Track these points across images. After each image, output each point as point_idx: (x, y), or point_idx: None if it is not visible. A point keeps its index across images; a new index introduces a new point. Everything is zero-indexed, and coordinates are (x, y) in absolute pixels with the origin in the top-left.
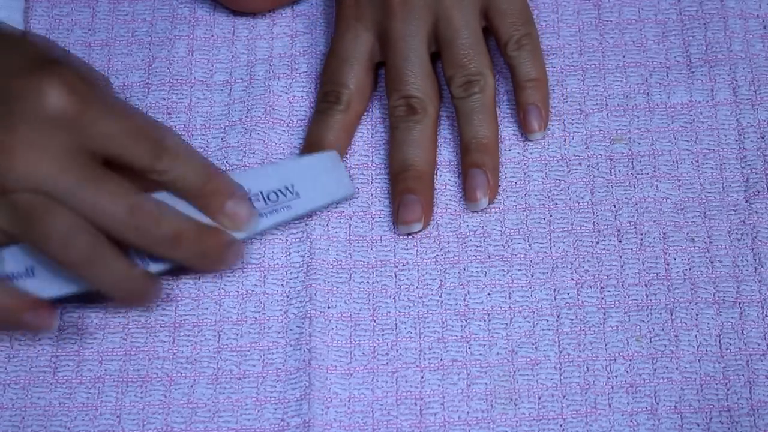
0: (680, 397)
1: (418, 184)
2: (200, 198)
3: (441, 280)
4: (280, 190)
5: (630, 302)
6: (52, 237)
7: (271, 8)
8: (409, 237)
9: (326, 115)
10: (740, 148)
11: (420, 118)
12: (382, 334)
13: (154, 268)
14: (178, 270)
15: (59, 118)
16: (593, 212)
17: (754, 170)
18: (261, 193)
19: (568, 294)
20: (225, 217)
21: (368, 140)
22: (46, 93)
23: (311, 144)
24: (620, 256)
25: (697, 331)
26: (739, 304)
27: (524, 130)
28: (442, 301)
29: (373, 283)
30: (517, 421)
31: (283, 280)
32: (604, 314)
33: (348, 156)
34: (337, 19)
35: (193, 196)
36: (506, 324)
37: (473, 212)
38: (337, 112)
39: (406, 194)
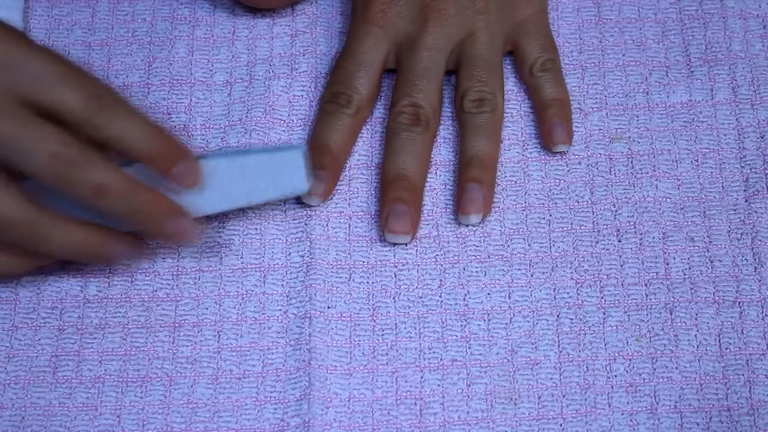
0: (680, 397)
1: (411, 195)
2: (147, 158)
3: (441, 280)
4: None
5: (630, 302)
6: None
7: (286, 4)
8: None
9: (335, 117)
10: (740, 147)
11: (422, 130)
12: (382, 334)
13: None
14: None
15: None
16: (593, 212)
17: (753, 170)
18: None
19: (568, 294)
20: (173, 178)
21: (368, 141)
22: None
23: (318, 143)
24: (620, 256)
25: (697, 331)
26: (739, 303)
27: (548, 143)
28: (441, 301)
29: (372, 283)
30: (517, 421)
31: (283, 280)
32: (604, 314)
33: (348, 156)
34: (358, 22)
35: (140, 155)
36: (506, 324)
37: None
38: (346, 115)
39: (397, 203)
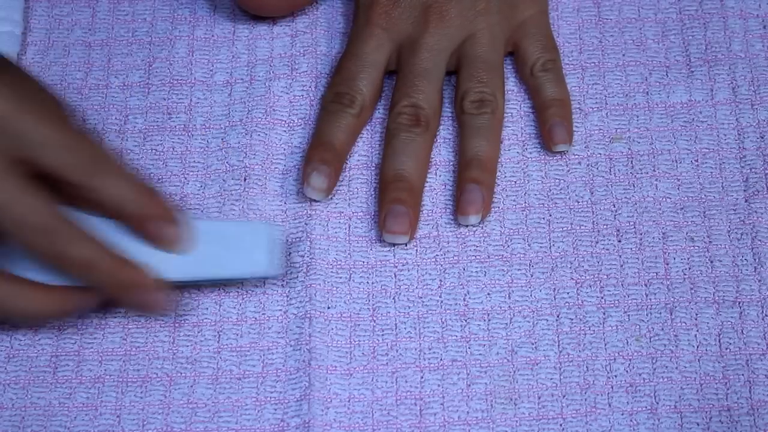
0: (680, 397)
1: (410, 196)
2: (133, 221)
3: (441, 280)
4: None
5: (629, 302)
6: None
7: (288, 12)
8: None
9: (337, 116)
10: (740, 147)
11: (422, 131)
12: (382, 334)
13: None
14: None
15: None
16: (593, 212)
17: (753, 170)
18: None
19: (568, 294)
20: (158, 240)
21: (368, 141)
22: None
23: (320, 141)
24: (620, 256)
25: (697, 331)
26: (739, 303)
27: (549, 143)
28: (441, 301)
29: (372, 283)
30: (517, 421)
31: (283, 281)
32: (604, 314)
33: (348, 156)
34: (361, 23)
35: (127, 218)
36: (506, 324)
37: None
38: (349, 115)
39: (396, 204)
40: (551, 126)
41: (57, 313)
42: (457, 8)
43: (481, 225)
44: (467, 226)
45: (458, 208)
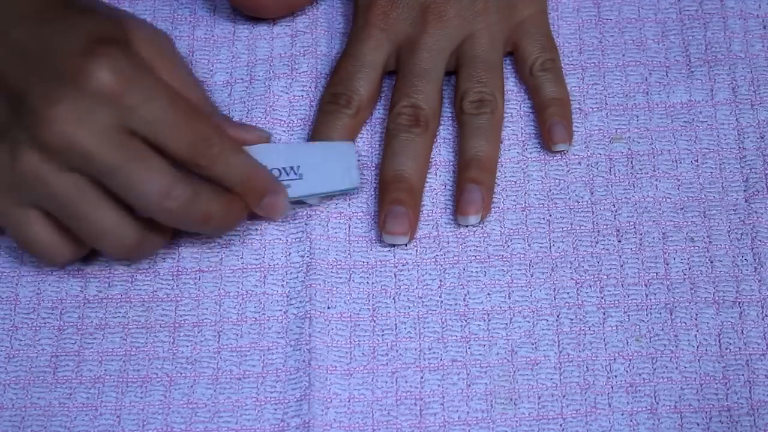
0: (680, 397)
1: (409, 197)
2: (242, 194)
3: (441, 280)
4: (284, 168)
5: (629, 302)
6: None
7: (285, 13)
8: None
9: (334, 117)
10: (740, 147)
11: (421, 131)
12: (382, 335)
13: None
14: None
15: (102, 95)
16: (593, 212)
17: (753, 170)
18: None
19: (568, 294)
20: (261, 210)
21: (368, 140)
22: (92, 73)
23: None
24: (620, 256)
25: (697, 331)
26: (739, 303)
27: (548, 143)
28: (441, 302)
29: (372, 283)
30: (517, 421)
31: (283, 281)
32: (604, 314)
33: None
34: (360, 24)
35: (232, 189)
36: (506, 324)
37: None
38: (346, 116)
39: (395, 205)
40: (551, 125)
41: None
42: (455, 8)
43: (481, 225)
44: (467, 226)
45: (458, 209)
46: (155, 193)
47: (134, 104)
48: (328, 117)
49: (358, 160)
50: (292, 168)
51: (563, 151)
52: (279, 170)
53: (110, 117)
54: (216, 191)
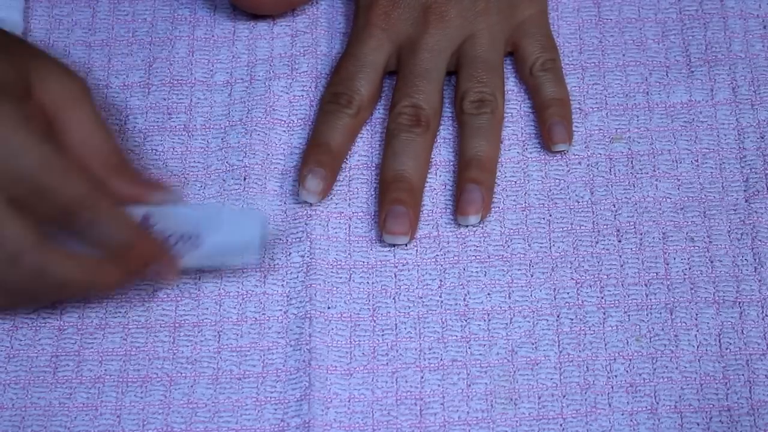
0: (680, 397)
1: (410, 197)
2: (121, 257)
3: (441, 280)
4: (183, 235)
5: (630, 302)
6: None
7: (285, 10)
8: None
9: (335, 116)
10: (740, 147)
11: (422, 131)
12: (382, 335)
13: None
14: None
15: None
16: (593, 212)
17: (753, 170)
18: (164, 233)
19: (568, 294)
20: (146, 276)
21: (368, 141)
22: None
23: (317, 142)
24: (620, 256)
25: (697, 331)
26: (739, 303)
27: (548, 143)
28: (442, 301)
29: (372, 283)
30: (517, 421)
31: (283, 281)
32: (604, 314)
33: (348, 156)
34: (361, 24)
35: (114, 255)
36: (506, 324)
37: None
38: (346, 116)
39: (396, 205)
40: (551, 125)
41: (102, 284)
42: (456, 9)
43: (481, 225)
44: (467, 226)
45: (458, 209)
46: (2, 261)
47: (10, 156)
48: (328, 117)
49: (271, 227)
50: (191, 236)
51: (563, 151)
52: (177, 237)
53: None
54: (76, 258)
